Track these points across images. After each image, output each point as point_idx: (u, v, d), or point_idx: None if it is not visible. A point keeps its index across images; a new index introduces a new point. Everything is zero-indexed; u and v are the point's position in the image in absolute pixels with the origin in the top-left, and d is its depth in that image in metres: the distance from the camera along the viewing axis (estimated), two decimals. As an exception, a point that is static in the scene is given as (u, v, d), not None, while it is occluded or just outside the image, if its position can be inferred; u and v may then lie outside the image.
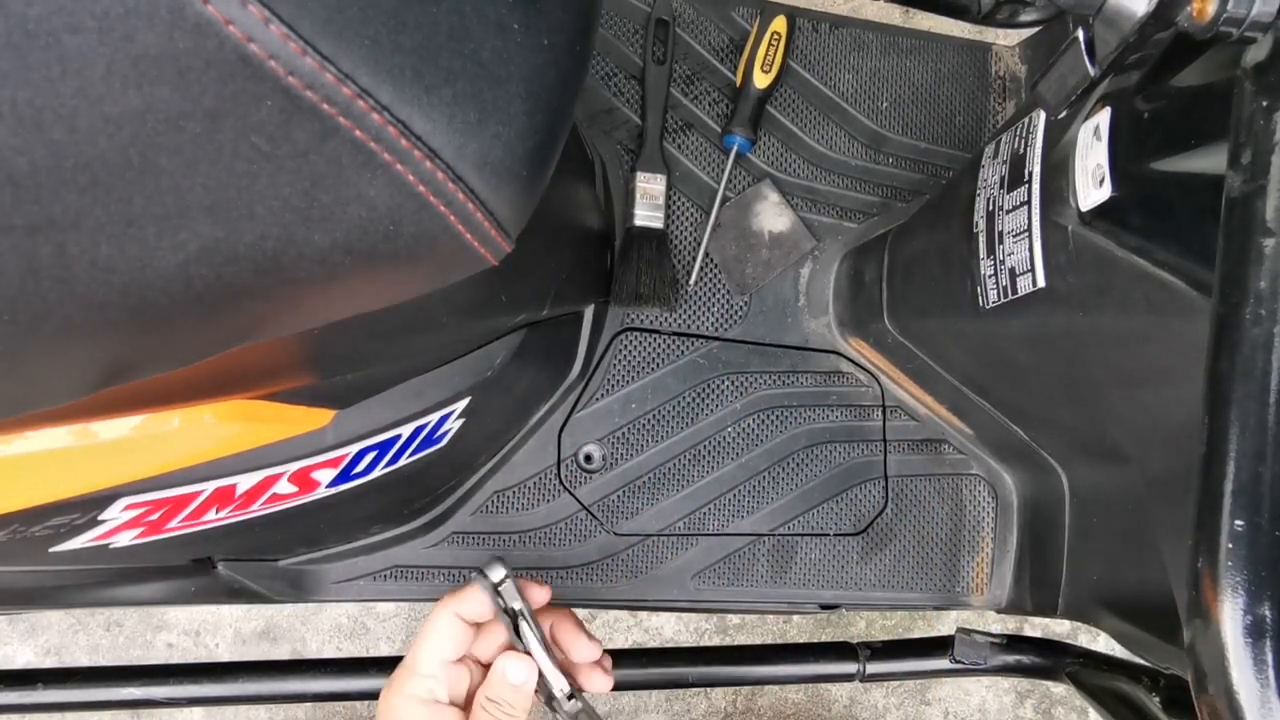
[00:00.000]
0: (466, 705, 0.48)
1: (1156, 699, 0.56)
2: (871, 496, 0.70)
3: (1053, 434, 0.60)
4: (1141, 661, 0.58)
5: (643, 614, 1.09)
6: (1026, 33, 0.75)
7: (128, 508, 0.42)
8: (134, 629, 1.05)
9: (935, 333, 0.62)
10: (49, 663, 1.03)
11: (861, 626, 1.13)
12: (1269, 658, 0.25)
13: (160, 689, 0.63)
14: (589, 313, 0.65)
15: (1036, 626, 1.13)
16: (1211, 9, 0.28)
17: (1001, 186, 0.49)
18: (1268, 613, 0.25)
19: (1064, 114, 0.39)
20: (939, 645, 0.67)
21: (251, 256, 0.25)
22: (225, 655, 1.05)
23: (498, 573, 0.47)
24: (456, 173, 0.27)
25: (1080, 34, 0.33)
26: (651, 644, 1.09)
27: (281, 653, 1.06)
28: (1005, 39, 0.82)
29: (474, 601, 0.47)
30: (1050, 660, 0.66)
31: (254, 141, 0.23)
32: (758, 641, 1.09)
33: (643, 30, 0.70)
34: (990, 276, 0.50)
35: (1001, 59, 0.76)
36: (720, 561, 0.68)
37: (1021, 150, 0.48)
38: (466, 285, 0.34)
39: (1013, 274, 0.48)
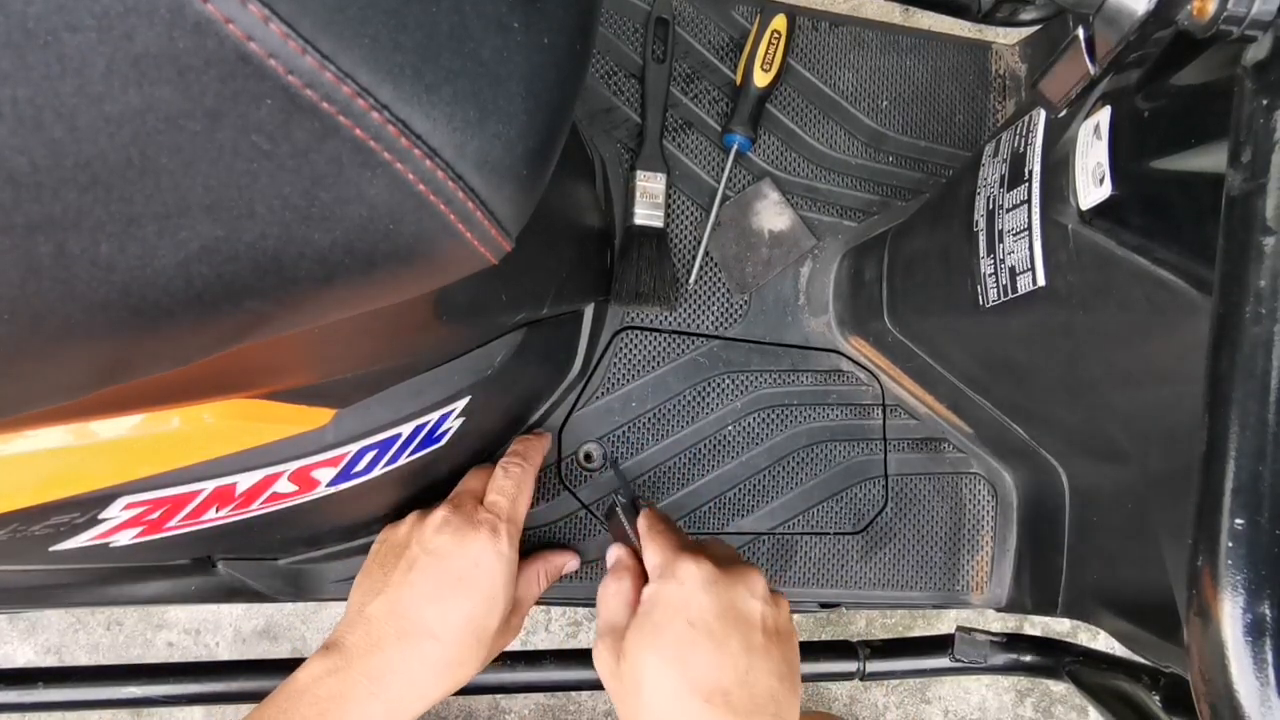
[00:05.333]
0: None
1: (1156, 697, 0.56)
2: (871, 495, 0.70)
3: (1053, 432, 0.60)
4: (1141, 660, 0.58)
5: (643, 612, 1.09)
6: (1026, 31, 0.75)
7: (127, 507, 0.42)
8: (134, 628, 1.05)
9: (935, 331, 0.62)
10: (49, 661, 1.03)
11: (861, 625, 1.13)
12: (1269, 656, 0.25)
13: (160, 688, 0.63)
14: (589, 311, 0.65)
15: (1036, 625, 1.13)
16: (1211, 7, 0.28)
17: (1002, 185, 0.49)
18: (1268, 611, 0.26)
19: (1064, 112, 0.39)
20: (939, 644, 0.67)
21: (252, 255, 0.25)
22: (225, 654, 1.05)
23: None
24: (456, 171, 0.27)
25: (1080, 32, 0.33)
26: (651, 642, 1.09)
27: (282, 651, 1.06)
28: (1005, 37, 0.82)
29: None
30: (1050, 659, 0.66)
31: (254, 140, 0.23)
32: (758, 640, 1.09)
33: (643, 29, 0.70)
34: (990, 275, 0.50)
35: (1001, 57, 0.76)
36: (720, 560, 0.68)
37: (1022, 149, 0.48)
38: (466, 284, 0.34)
39: (1013, 273, 0.48)
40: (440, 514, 0.54)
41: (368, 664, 0.48)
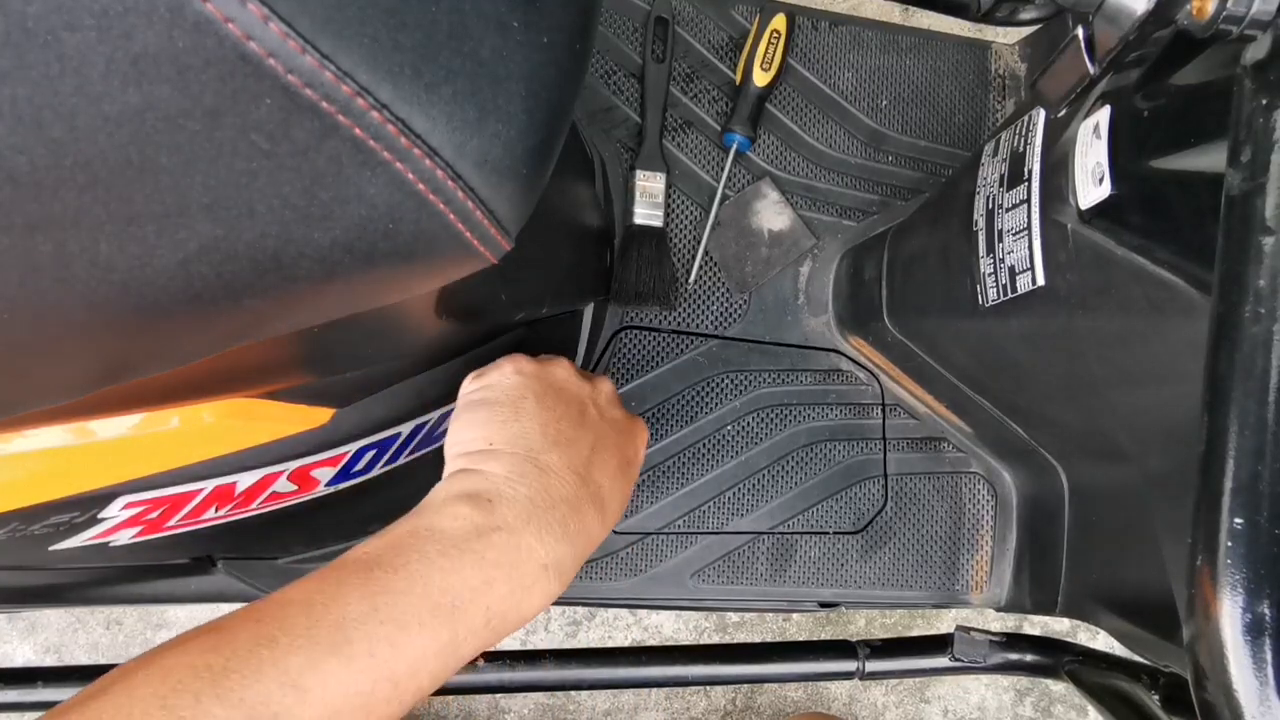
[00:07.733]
0: None
1: (1156, 697, 0.56)
2: (871, 495, 0.70)
3: (1052, 432, 0.60)
4: (1141, 659, 0.58)
5: (642, 612, 1.09)
6: (1026, 30, 0.75)
7: (127, 506, 0.42)
8: (133, 627, 1.04)
9: (935, 331, 0.62)
10: (48, 661, 1.03)
11: (861, 625, 1.13)
12: (1268, 656, 0.25)
13: (160, 687, 0.62)
14: (588, 311, 0.65)
15: (1036, 624, 1.13)
16: (1211, 7, 0.28)
17: (1001, 184, 0.49)
18: (1267, 611, 0.25)
19: (1064, 112, 0.39)
20: (938, 643, 0.67)
21: (251, 255, 0.25)
22: (225, 653, 1.05)
23: None
24: (456, 171, 0.27)
25: (1080, 32, 0.33)
26: (651, 642, 1.09)
27: (281, 651, 1.06)
28: (1005, 37, 0.82)
29: None
30: (1049, 658, 0.66)
31: (253, 139, 0.23)
32: (757, 640, 1.09)
33: (642, 28, 0.70)
34: (990, 275, 0.50)
35: (1001, 57, 0.76)
36: (719, 560, 0.68)
37: (1021, 148, 0.48)
38: (466, 283, 0.34)
39: (1012, 272, 0.48)
40: (607, 387, 0.49)
41: (543, 523, 0.39)
